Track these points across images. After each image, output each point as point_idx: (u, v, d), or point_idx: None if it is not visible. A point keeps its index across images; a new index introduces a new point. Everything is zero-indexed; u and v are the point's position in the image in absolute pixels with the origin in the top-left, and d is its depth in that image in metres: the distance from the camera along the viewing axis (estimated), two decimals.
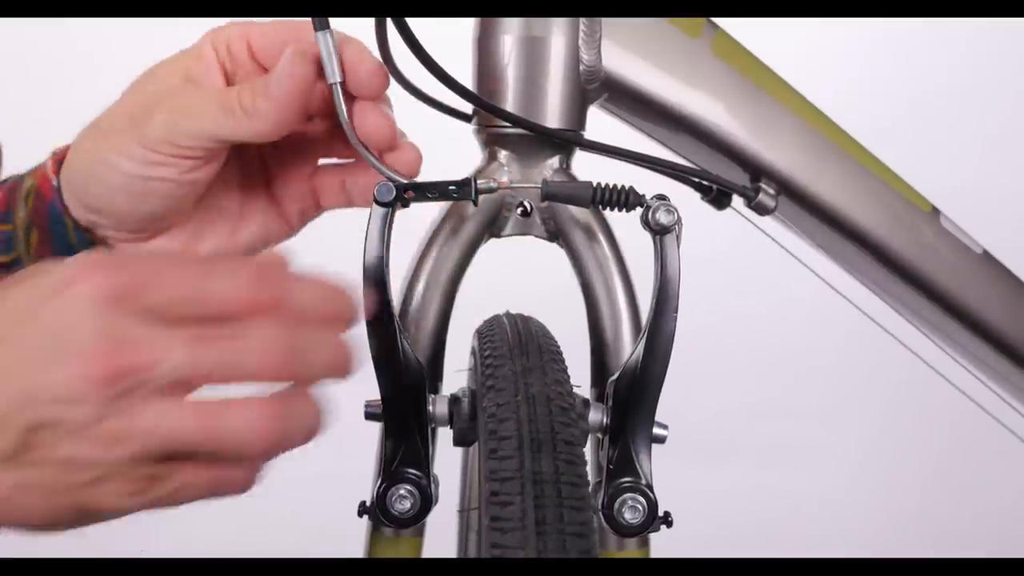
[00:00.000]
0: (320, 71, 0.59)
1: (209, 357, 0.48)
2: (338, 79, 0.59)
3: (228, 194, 0.66)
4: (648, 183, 0.64)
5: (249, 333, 0.49)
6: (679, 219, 0.59)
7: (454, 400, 0.61)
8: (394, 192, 0.57)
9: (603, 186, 0.61)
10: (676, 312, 0.59)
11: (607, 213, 0.67)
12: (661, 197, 0.60)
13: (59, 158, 0.67)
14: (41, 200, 0.67)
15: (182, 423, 0.48)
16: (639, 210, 0.60)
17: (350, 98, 0.60)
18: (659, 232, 0.59)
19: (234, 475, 0.51)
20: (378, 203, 0.58)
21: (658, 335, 0.59)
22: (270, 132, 0.59)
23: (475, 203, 0.60)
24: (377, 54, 0.64)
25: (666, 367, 0.59)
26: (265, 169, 0.67)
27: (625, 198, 0.61)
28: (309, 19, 0.59)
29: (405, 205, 0.59)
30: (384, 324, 0.58)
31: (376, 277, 0.58)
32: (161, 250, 0.65)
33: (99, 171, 0.62)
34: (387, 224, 0.58)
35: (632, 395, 0.59)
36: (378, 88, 0.58)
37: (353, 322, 0.52)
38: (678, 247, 0.59)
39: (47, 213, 0.67)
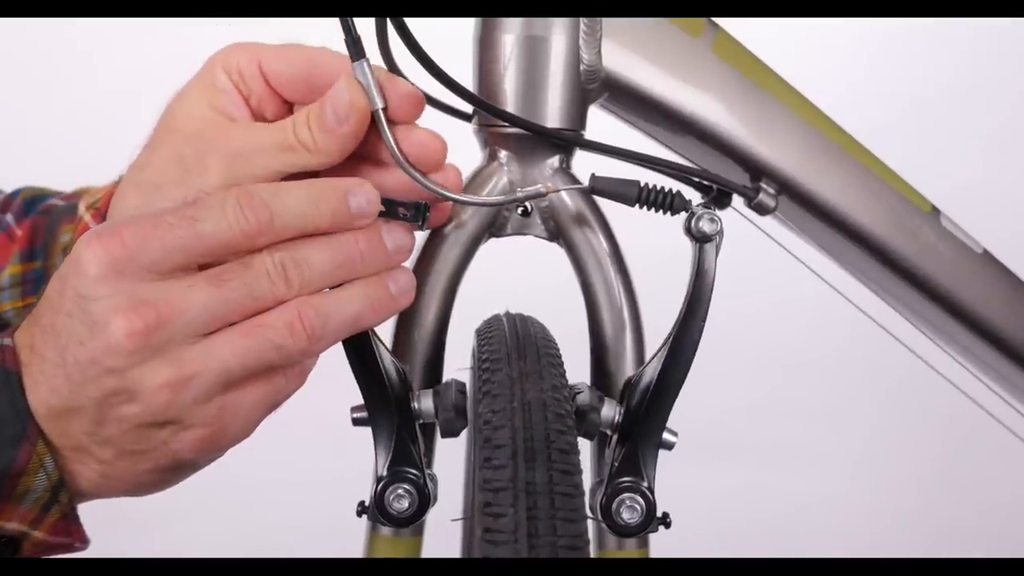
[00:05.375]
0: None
1: (231, 292, 0.51)
2: (380, 105, 0.58)
3: None
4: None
5: (257, 260, 0.52)
6: (721, 229, 0.59)
7: (436, 393, 0.61)
8: None
9: (650, 187, 0.61)
10: (704, 321, 0.59)
11: (607, 212, 0.67)
12: (706, 205, 0.60)
13: (100, 211, 0.66)
14: None
15: (229, 351, 0.52)
16: (668, 214, 0.61)
17: (390, 123, 0.59)
18: (700, 240, 0.59)
19: (292, 375, 0.55)
20: None
21: (682, 342, 0.59)
22: (333, 162, 0.58)
23: (421, 228, 0.59)
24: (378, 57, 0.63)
25: (686, 374, 0.59)
26: None
27: (671, 201, 0.61)
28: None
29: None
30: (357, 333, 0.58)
31: None
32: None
33: None
34: None
35: (649, 398, 0.59)
36: (417, 111, 0.58)
37: (349, 216, 0.54)
38: (716, 256, 0.59)
39: None
